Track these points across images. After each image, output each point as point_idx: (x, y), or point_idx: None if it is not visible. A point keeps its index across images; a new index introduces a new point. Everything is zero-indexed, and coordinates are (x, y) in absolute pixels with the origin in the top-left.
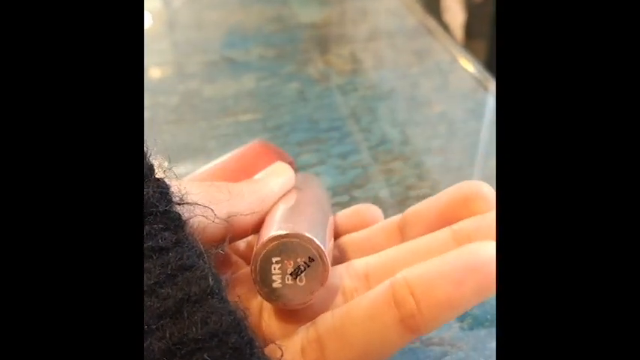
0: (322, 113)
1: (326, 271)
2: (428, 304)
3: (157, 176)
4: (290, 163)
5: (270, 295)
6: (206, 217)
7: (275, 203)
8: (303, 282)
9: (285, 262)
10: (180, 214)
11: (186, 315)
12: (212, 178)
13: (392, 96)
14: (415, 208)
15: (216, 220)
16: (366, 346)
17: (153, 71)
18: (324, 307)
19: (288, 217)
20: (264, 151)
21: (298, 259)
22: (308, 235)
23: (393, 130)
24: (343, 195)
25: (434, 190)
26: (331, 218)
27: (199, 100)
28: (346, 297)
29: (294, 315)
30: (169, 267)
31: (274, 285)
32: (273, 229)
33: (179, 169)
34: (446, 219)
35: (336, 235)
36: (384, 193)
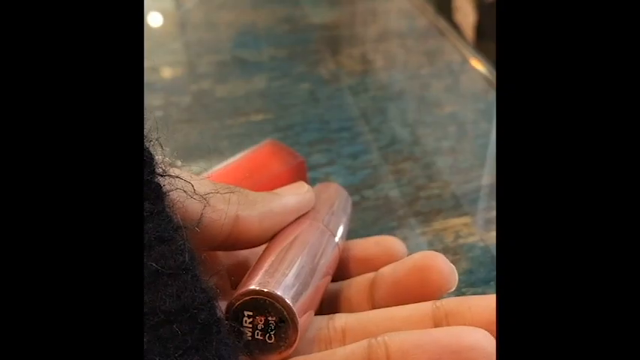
0: (333, 113)
1: (295, 333)
2: None
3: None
4: (301, 163)
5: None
6: (185, 191)
7: (272, 241)
8: (272, 340)
9: (257, 317)
10: (160, 185)
11: (159, 287)
12: (224, 178)
13: (402, 97)
14: (382, 270)
15: (196, 197)
16: None
17: (165, 71)
18: (302, 352)
19: (273, 269)
20: (275, 150)
21: (269, 318)
22: (282, 296)
23: (403, 131)
24: (354, 195)
25: (444, 190)
26: (325, 267)
27: (211, 100)
28: (321, 348)
29: None
30: (146, 237)
31: (244, 337)
32: (253, 280)
33: (192, 169)
34: (403, 286)
35: (358, 266)
36: (394, 193)
